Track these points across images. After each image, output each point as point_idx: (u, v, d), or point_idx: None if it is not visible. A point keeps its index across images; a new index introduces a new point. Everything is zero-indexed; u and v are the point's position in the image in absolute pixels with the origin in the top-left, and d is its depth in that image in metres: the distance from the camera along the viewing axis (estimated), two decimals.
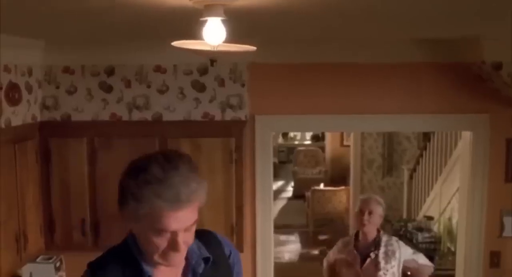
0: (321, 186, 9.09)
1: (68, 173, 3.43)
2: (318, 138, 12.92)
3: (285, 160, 12.92)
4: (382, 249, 3.08)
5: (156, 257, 1.32)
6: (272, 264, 3.74)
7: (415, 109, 3.55)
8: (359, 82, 3.52)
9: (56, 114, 3.38)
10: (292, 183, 11.08)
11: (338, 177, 10.29)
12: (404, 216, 6.60)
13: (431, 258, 4.77)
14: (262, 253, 3.62)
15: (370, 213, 3.10)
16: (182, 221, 1.27)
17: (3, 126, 2.93)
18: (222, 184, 3.38)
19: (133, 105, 3.34)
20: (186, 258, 1.41)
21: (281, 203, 10.31)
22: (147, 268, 1.37)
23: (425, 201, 6.15)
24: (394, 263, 3.09)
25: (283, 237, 8.03)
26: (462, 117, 3.59)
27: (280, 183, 11.83)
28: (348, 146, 8.68)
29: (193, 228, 1.33)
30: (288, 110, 3.54)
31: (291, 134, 13.55)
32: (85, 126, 3.38)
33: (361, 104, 3.54)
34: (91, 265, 1.42)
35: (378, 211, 3.12)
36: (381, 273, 3.05)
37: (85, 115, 3.36)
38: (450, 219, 5.30)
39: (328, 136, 11.12)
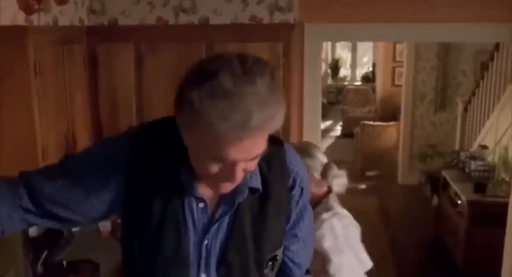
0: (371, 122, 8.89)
1: (115, 78, 3.43)
2: (368, 79, 12.59)
3: (334, 101, 12.70)
4: None
5: (205, 180, 1.18)
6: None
7: (472, 17, 3.33)
8: None
9: (103, 19, 3.36)
10: (341, 123, 10.92)
11: (388, 116, 10.07)
12: (457, 148, 6.39)
13: (483, 187, 4.64)
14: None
15: None
16: (247, 152, 1.05)
17: (50, 23, 2.92)
18: None
19: (180, 8, 3.28)
20: None
21: (328, 141, 10.21)
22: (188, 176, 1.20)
23: (479, 132, 5.91)
24: None
25: None
26: None
27: (328, 123, 11.70)
28: (400, 85, 8.40)
29: (258, 158, 1.11)
30: (339, 18, 3.39)
31: (341, 75, 13.27)
32: (131, 31, 3.35)
33: (414, 12, 3.36)
34: (138, 132, 1.26)
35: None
36: None
37: (132, 19, 3.33)
38: (506, 148, 5.09)
39: (379, 75, 10.80)
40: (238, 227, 1.27)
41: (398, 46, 9.95)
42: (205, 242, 1.26)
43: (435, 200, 6.02)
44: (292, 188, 1.33)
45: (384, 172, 8.01)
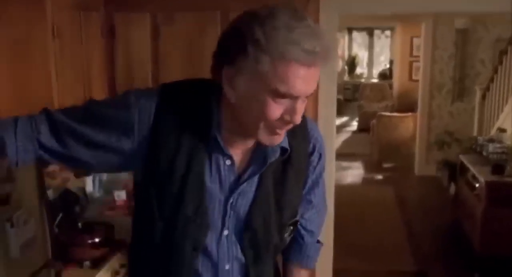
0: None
1: (132, 48, 3.46)
2: (385, 76, 12.55)
3: (351, 98, 12.67)
4: None
5: (259, 130, 1.14)
6: (334, 132, 3.67)
7: None
8: None
9: None
10: (357, 118, 10.88)
11: (405, 110, 9.99)
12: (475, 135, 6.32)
13: (502, 168, 4.58)
14: (323, 126, 3.54)
15: None
16: (310, 84, 1.09)
17: None
18: None
19: None
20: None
21: (344, 136, 10.18)
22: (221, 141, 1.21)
23: (497, 119, 5.84)
24: None
25: (345, 164, 7.94)
26: None
27: (344, 119, 11.67)
28: (417, 80, 8.35)
29: (306, 100, 1.15)
30: None
31: (357, 72, 13.23)
32: (148, 1, 3.37)
33: None
34: (164, 89, 1.26)
35: None
36: None
37: None
38: None
39: (396, 70, 10.74)
40: (262, 190, 1.29)
41: (415, 40, 9.91)
42: (231, 200, 1.27)
43: (452, 188, 5.95)
44: (312, 153, 1.38)
45: (400, 164, 7.95)
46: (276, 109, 1.10)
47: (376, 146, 8.20)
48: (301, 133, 1.33)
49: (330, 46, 1.08)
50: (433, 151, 7.24)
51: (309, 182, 1.44)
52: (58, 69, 2.89)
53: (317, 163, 1.42)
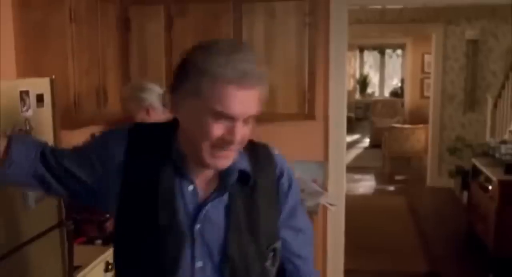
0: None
1: (146, 39, 3.54)
2: (397, 94, 12.60)
3: (362, 117, 12.72)
4: None
5: (204, 152, 1.20)
6: (345, 134, 3.70)
7: None
8: None
9: None
10: (369, 135, 10.88)
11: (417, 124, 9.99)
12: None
13: None
14: (334, 122, 3.58)
15: None
16: (246, 105, 1.17)
17: None
18: (295, 48, 3.36)
19: None
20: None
21: (356, 152, 10.18)
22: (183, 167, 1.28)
23: (510, 124, 5.83)
24: None
25: (357, 176, 7.94)
26: None
27: (356, 136, 11.68)
28: (428, 97, 8.35)
29: (250, 125, 1.22)
30: None
31: (369, 90, 13.29)
32: None
33: None
34: (130, 132, 1.34)
35: None
36: None
37: None
38: None
39: (407, 87, 10.78)
40: (233, 217, 1.30)
41: (426, 57, 9.97)
42: (197, 227, 1.28)
43: (465, 196, 5.92)
44: (279, 178, 1.39)
45: (412, 176, 7.92)
46: (216, 129, 1.17)
47: (388, 159, 8.19)
48: (266, 160, 1.37)
49: (263, 78, 1.19)
50: (445, 162, 7.21)
51: (287, 209, 1.42)
52: (75, 51, 2.97)
53: (289, 188, 1.42)
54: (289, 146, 2.71)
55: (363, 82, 13.23)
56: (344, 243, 3.88)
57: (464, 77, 7.27)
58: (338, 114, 3.61)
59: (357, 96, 13.00)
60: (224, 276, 1.29)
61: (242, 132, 1.19)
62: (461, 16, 7.14)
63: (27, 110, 1.91)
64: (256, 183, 1.32)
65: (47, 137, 2.03)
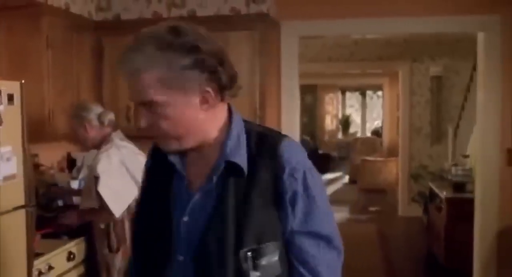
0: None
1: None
2: (378, 133, 13.05)
3: (345, 156, 13.11)
4: None
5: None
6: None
7: (445, 10, 3.81)
8: None
9: (108, 15, 3.95)
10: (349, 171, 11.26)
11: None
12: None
13: (462, 186, 4.93)
14: None
15: None
16: (134, 91, 1.22)
17: (63, 7, 3.51)
18: (247, 74, 3.78)
19: (172, 3, 3.85)
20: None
21: (335, 187, 10.52)
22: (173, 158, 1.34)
23: (466, 151, 6.24)
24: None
25: (333, 208, 8.21)
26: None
27: (337, 174, 12.04)
28: None
29: (159, 110, 1.21)
30: (312, 15, 3.93)
31: (352, 130, 13.77)
32: (132, 24, 3.90)
33: (378, 8, 3.87)
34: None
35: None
36: None
37: (132, 14, 3.91)
38: None
39: (385, 125, 11.25)
40: (219, 209, 1.24)
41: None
42: (185, 219, 1.28)
43: (424, 218, 6.25)
44: (281, 175, 1.24)
45: (385, 207, 8.25)
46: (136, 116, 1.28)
47: (362, 191, 8.53)
48: (268, 153, 1.26)
49: (146, 65, 1.20)
50: (413, 191, 7.57)
51: (298, 211, 1.26)
52: (51, 74, 3.40)
53: (297, 188, 1.25)
54: None
55: (345, 122, 13.71)
56: None
57: (430, 111, 7.73)
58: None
59: (340, 135, 13.45)
60: (197, 270, 1.26)
61: (147, 118, 1.23)
62: (425, 54, 7.68)
63: None
64: (254, 176, 1.24)
65: (16, 132, 2.42)
